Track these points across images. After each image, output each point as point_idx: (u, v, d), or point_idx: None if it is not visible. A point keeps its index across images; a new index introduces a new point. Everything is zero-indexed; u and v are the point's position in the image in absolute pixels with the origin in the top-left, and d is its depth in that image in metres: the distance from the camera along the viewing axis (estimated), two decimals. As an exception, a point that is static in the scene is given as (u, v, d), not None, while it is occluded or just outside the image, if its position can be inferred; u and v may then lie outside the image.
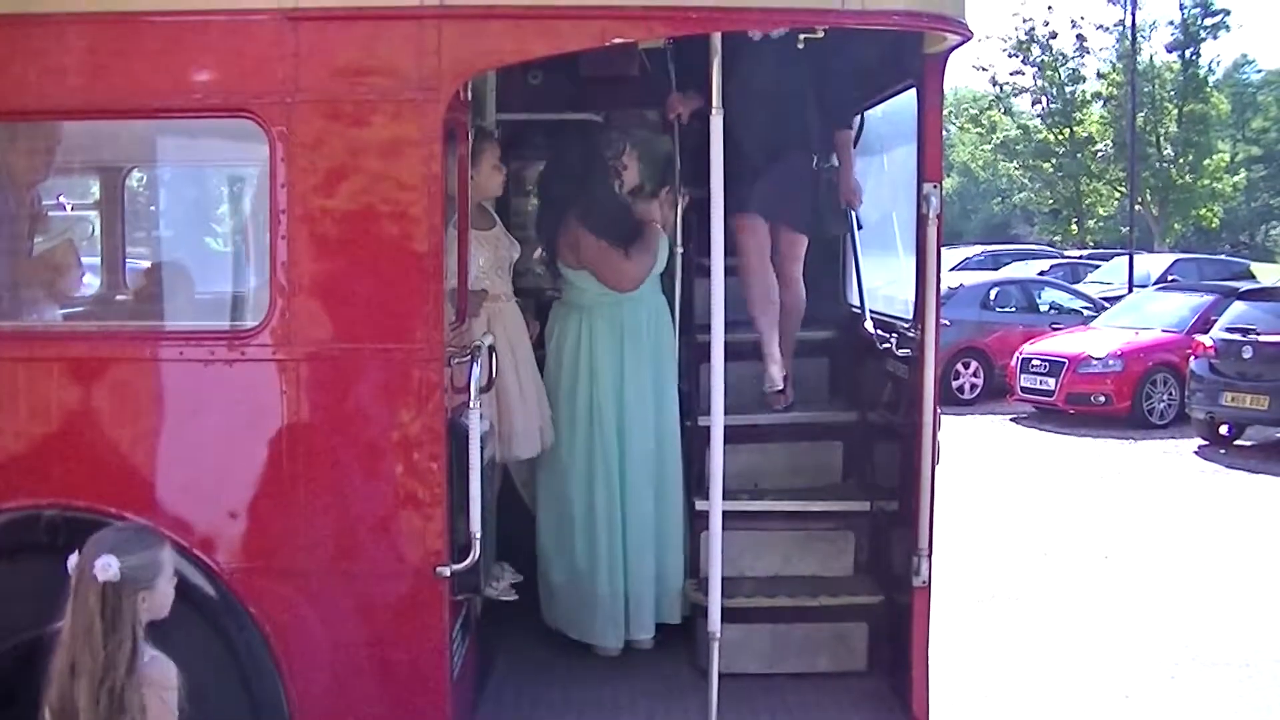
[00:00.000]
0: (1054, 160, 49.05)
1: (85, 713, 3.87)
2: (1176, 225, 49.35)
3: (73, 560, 3.99)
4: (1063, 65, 48.64)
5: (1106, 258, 37.05)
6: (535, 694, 6.21)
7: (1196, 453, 17.15)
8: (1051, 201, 51.97)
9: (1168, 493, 14.44)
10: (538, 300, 7.23)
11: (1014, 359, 20.35)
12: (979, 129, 54.22)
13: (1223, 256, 42.07)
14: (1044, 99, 49.45)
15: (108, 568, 3.92)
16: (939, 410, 5.74)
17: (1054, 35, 48.17)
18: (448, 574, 4.96)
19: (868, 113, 7.21)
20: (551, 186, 6.96)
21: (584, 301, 6.71)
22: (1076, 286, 27.89)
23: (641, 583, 6.66)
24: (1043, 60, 48.51)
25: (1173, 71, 48.94)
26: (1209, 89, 50.04)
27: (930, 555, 5.72)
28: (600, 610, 6.64)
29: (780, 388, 7.03)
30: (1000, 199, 70.42)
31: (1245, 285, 21.57)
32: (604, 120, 7.19)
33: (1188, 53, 48.59)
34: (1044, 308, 23.48)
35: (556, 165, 6.99)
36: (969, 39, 5.43)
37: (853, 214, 7.07)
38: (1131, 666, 8.35)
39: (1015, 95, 50.81)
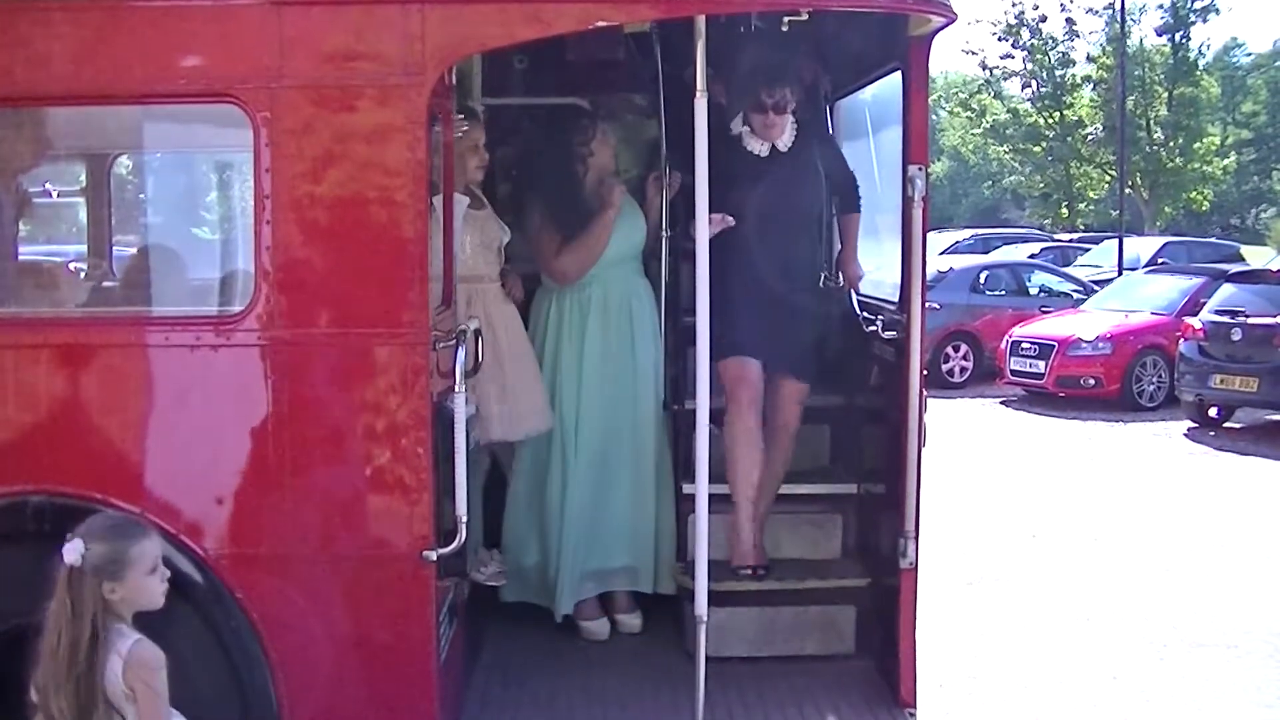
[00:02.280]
0: (1044, 144, 49.12)
1: (54, 693, 3.89)
2: (1166, 208, 49.46)
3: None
4: (1052, 49, 48.73)
5: (1096, 241, 37.15)
6: (523, 677, 6.22)
7: (1186, 435, 17.19)
8: (1042, 185, 52.03)
9: (1157, 475, 14.48)
10: (527, 287, 7.23)
11: (1004, 342, 20.40)
12: (969, 113, 54.26)
13: (1213, 239, 42.15)
14: (1034, 83, 49.54)
15: (72, 551, 3.95)
16: (925, 393, 5.75)
17: (1044, 19, 48.31)
18: (434, 558, 4.97)
19: (856, 95, 7.21)
20: (520, 172, 6.99)
21: (553, 285, 6.75)
22: (1066, 270, 27.97)
23: (571, 558, 6.68)
24: (1032, 44, 48.58)
25: (1162, 55, 49.05)
26: (1199, 72, 50.20)
27: (917, 537, 5.73)
28: (526, 577, 6.75)
29: (750, 564, 6.50)
30: (990, 183, 70.57)
31: (1234, 268, 21.60)
32: (575, 106, 7.14)
33: (1177, 36, 48.73)
34: (1034, 291, 23.51)
35: (526, 151, 7.00)
36: (953, 21, 5.43)
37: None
38: (1120, 648, 8.37)
39: (1005, 79, 50.93)
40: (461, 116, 6.08)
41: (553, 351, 6.73)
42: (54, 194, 7.11)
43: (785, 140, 6.53)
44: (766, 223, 6.42)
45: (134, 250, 7.32)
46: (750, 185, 6.36)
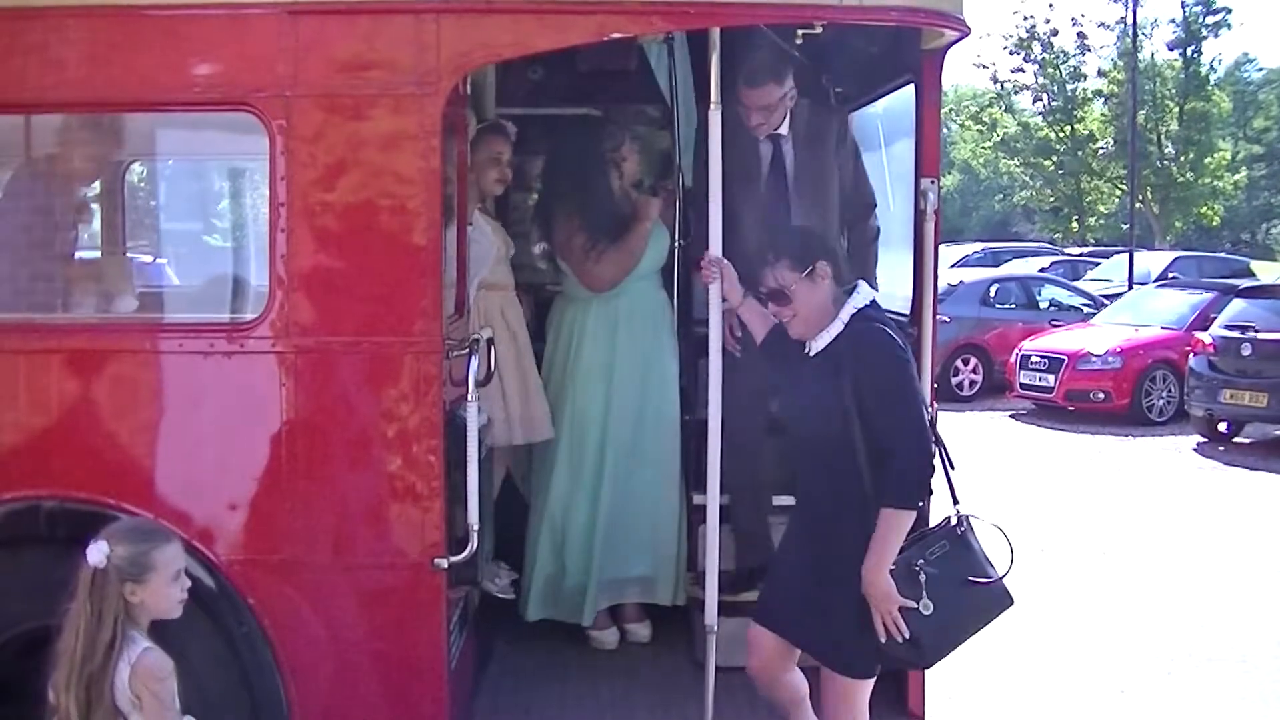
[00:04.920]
0: (1055, 158, 49.03)
1: (65, 692, 3.92)
2: (1177, 223, 49.35)
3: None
4: (1064, 63, 48.61)
5: (1107, 255, 37.10)
6: (532, 686, 6.23)
7: (1195, 450, 17.16)
8: (1052, 199, 51.94)
9: (1166, 489, 14.45)
10: (536, 296, 7.25)
11: (1013, 356, 20.36)
12: (980, 126, 54.07)
13: (1223, 254, 42.09)
14: (1045, 96, 49.42)
15: (96, 553, 3.97)
16: (935, 406, 5.75)
17: (1055, 33, 48.14)
18: (445, 566, 4.98)
19: (865, 110, 7.22)
20: (549, 181, 7.00)
21: (579, 295, 6.76)
22: (1076, 284, 27.93)
23: (598, 568, 6.70)
24: (1044, 58, 48.47)
25: (1174, 69, 48.94)
26: (1210, 87, 50.02)
27: (927, 550, 5.72)
28: (535, 586, 6.76)
29: None
30: (1001, 196, 70.42)
31: (1245, 283, 21.58)
32: (604, 114, 7.20)
33: (1189, 51, 48.58)
34: (1044, 305, 23.49)
35: (554, 160, 7.01)
36: (967, 35, 5.45)
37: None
38: (1128, 662, 8.36)
39: (1016, 93, 50.77)
40: (484, 127, 6.12)
41: (574, 360, 6.75)
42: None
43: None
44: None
45: (148, 257, 7.34)
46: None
